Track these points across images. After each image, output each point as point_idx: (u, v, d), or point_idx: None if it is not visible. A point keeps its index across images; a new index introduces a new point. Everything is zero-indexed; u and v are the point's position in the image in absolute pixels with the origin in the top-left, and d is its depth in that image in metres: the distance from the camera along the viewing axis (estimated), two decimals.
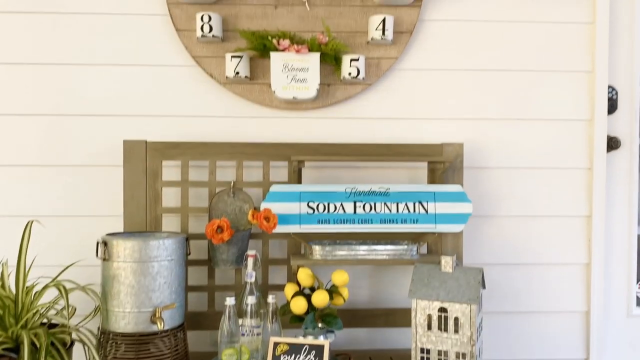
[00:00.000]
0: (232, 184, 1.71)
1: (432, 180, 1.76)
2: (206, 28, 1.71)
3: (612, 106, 1.90)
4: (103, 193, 1.78)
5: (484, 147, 1.86)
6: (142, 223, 1.69)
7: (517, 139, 1.87)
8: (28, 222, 1.50)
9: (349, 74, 1.75)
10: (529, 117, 1.87)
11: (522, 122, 1.87)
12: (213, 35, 1.71)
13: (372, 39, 1.76)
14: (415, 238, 1.72)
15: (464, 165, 1.81)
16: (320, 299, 1.50)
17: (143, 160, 1.69)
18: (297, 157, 1.65)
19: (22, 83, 1.78)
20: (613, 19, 1.88)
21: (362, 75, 1.76)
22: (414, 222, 1.65)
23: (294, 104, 1.80)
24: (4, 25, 1.76)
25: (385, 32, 1.74)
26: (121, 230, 1.72)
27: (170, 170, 1.77)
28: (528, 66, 1.86)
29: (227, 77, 1.75)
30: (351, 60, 1.75)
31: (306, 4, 1.79)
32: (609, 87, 1.89)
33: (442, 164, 1.69)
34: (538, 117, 1.87)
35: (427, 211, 1.66)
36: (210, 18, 1.71)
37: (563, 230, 1.89)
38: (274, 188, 1.65)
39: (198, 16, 1.71)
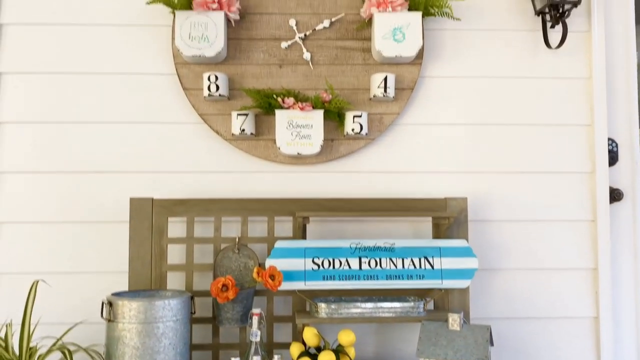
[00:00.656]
0: (236, 239, 1.71)
1: (437, 234, 1.77)
2: (213, 87, 1.75)
3: (613, 158, 1.92)
4: (109, 249, 1.79)
5: (488, 200, 1.87)
6: (147, 281, 1.69)
7: (521, 192, 1.88)
8: (34, 283, 1.50)
9: (352, 130, 1.79)
10: (532, 170, 1.89)
11: (524, 175, 1.89)
12: (220, 94, 1.76)
13: (374, 96, 1.80)
14: (421, 294, 1.71)
15: (469, 219, 1.82)
16: None
17: (149, 217, 1.70)
18: (301, 213, 1.67)
19: (29, 141, 1.81)
20: (610, 73, 1.92)
21: (364, 130, 1.79)
22: (420, 278, 1.65)
23: (299, 159, 1.83)
24: (12, 85, 1.82)
25: (387, 90, 1.79)
26: (126, 287, 1.72)
27: (176, 225, 1.78)
28: (528, 120, 1.89)
29: (233, 134, 1.78)
30: (354, 117, 1.79)
31: (310, 63, 1.84)
32: (609, 139, 1.92)
33: (447, 219, 1.69)
34: (540, 170, 1.89)
35: (433, 267, 1.66)
36: (217, 78, 1.75)
37: (570, 283, 1.87)
38: (278, 244, 1.66)
39: (205, 76, 1.76)
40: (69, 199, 1.81)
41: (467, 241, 1.72)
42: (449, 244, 1.68)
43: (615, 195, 1.91)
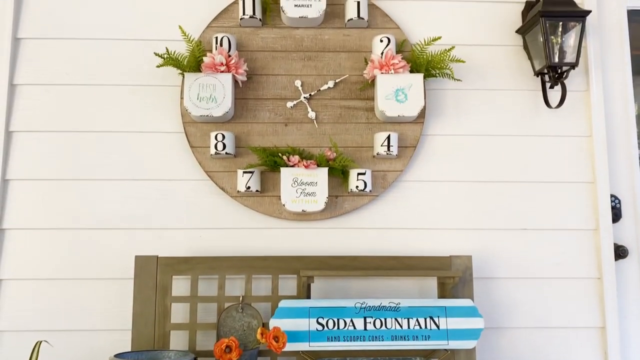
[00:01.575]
0: (240, 298, 1.70)
1: (442, 293, 1.76)
2: (220, 146, 1.79)
3: (617, 215, 1.93)
4: (112, 307, 1.78)
5: (493, 257, 1.87)
6: (150, 340, 1.67)
7: (526, 249, 1.88)
8: (37, 343, 1.49)
9: (357, 187, 1.81)
10: (536, 227, 1.89)
11: (529, 232, 1.89)
12: (226, 153, 1.79)
13: (377, 153, 1.83)
14: (427, 354, 1.68)
15: (474, 276, 1.81)
16: None
17: (154, 275, 1.70)
18: (306, 272, 1.67)
19: (35, 197, 1.84)
20: (610, 131, 1.96)
21: (368, 187, 1.81)
22: (425, 339, 1.63)
23: (303, 216, 1.84)
24: (21, 142, 1.85)
25: (390, 148, 1.82)
26: (129, 345, 1.70)
27: (179, 282, 1.78)
28: (531, 177, 1.91)
29: (238, 191, 1.81)
30: (358, 174, 1.81)
31: (314, 122, 1.89)
32: (612, 196, 1.93)
33: (452, 279, 1.69)
34: (545, 227, 1.89)
35: (438, 327, 1.64)
36: (223, 136, 1.79)
37: (577, 342, 1.84)
38: (282, 304, 1.65)
39: (212, 135, 1.80)
40: (73, 255, 1.82)
41: (473, 300, 1.71)
42: (454, 303, 1.67)
43: (620, 252, 1.90)
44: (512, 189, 1.91)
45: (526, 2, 1.96)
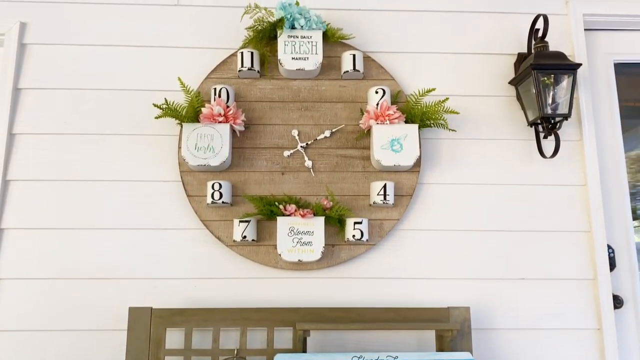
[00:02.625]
0: (235, 352, 1.67)
1: (440, 345, 1.73)
2: (216, 195, 1.79)
3: (611, 264, 1.92)
4: (105, 359, 1.75)
5: (491, 307, 1.85)
6: None
7: (524, 299, 1.86)
8: None
9: (353, 236, 1.80)
10: (533, 276, 1.88)
11: (526, 282, 1.88)
12: (223, 202, 1.79)
13: (374, 202, 1.84)
14: None
15: (472, 327, 1.79)
16: None
17: (147, 327, 1.67)
18: (302, 325, 1.64)
19: (30, 247, 1.83)
20: (604, 180, 1.98)
21: (365, 237, 1.80)
22: None
23: (300, 265, 1.83)
24: (17, 192, 1.86)
25: (387, 197, 1.82)
26: None
27: (173, 334, 1.75)
28: (527, 226, 1.92)
29: (234, 241, 1.80)
30: (355, 223, 1.81)
31: (311, 170, 1.90)
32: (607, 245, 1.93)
33: (450, 332, 1.66)
34: (542, 276, 1.88)
35: None
36: (220, 186, 1.80)
37: None
38: (278, 358, 1.61)
39: (209, 184, 1.80)
40: (67, 306, 1.79)
41: (472, 352, 1.68)
42: (453, 356, 1.64)
43: (616, 303, 1.88)
44: (509, 238, 1.91)
45: (518, 54, 2.01)
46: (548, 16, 1.88)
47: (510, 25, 2.05)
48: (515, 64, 2.03)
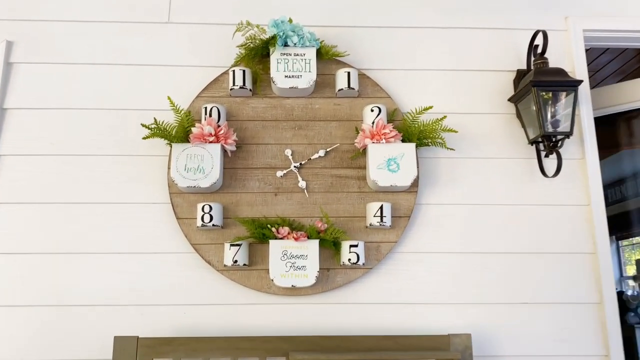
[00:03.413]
0: None
1: None
2: (206, 218, 1.73)
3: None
4: None
5: (493, 334, 1.77)
6: None
7: (527, 325, 1.78)
8: None
9: (349, 259, 1.73)
10: (537, 300, 1.80)
11: (530, 306, 1.80)
12: (213, 224, 1.73)
13: (370, 224, 1.77)
14: None
15: (474, 354, 1.71)
16: None
17: (133, 358, 1.59)
18: (295, 355, 1.56)
19: (15, 273, 1.75)
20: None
21: (362, 260, 1.73)
22: None
23: (293, 291, 1.76)
24: (2, 215, 1.79)
25: (384, 219, 1.76)
26: None
27: None
28: (530, 248, 1.84)
29: (225, 265, 1.73)
30: (350, 246, 1.74)
31: (305, 191, 1.84)
32: None
33: None
34: (546, 300, 1.81)
35: None
36: (211, 208, 1.73)
37: None
38: None
39: (199, 206, 1.74)
40: (49, 334, 1.71)
41: None
42: None
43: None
44: (511, 260, 1.84)
45: (517, 70, 1.96)
46: (547, 32, 1.84)
47: (509, 42, 2.00)
48: (514, 80, 1.98)
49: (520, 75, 1.96)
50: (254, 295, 1.77)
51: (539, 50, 1.87)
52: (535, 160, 1.91)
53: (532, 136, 1.87)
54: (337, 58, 1.91)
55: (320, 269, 1.73)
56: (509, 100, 1.95)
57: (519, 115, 1.93)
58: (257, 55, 1.86)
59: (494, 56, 1.99)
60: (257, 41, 1.83)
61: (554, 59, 1.96)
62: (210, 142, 1.76)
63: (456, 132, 1.82)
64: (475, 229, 1.86)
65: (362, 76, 1.91)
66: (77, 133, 1.86)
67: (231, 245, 1.72)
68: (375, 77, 1.93)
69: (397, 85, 1.95)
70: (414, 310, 1.79)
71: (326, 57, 1.88)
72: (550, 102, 1.80)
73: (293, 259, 1.72)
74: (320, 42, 1.86)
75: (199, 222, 1.73)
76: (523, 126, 1.92)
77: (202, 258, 1.77)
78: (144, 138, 1.73)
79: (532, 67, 1.91)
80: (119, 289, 1.76)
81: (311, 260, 1.72)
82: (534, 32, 1.92)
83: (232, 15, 1.95)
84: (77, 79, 1.91)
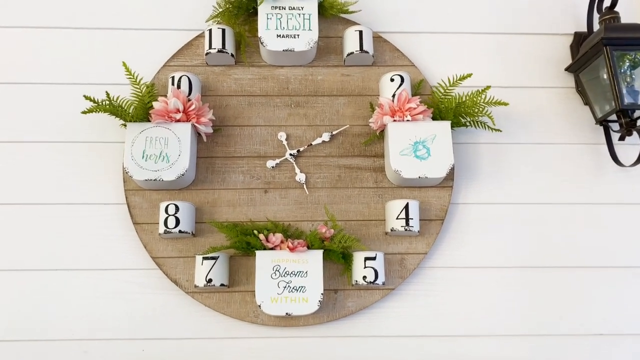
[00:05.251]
0: None
1: None
2: (171, 222, 1.28)
3: None
4: None
5: None
6: None
7: None
8: None
9: (364, 277, 1.28)
10: (615, 331, 1.36)
11: (605, 338, 1.36)
12: (180, 231, 1.28)
13: (392, 229, 1.33)
14: None
15: None
16: None
17: None
18: None
19: None
20: None
21: (381, 278, 1.28)
22: None
23: (289, 320, 1.31)
24: None
25: (410, 222, 1.31)
26: None
27: None
28: (602, 261, 1.40)
29: (196, 286, 1.28)
30: (366, 259, 1.29)
31: (304, 187, 1.39)
32: None
33: None
34: (627, 331, 1.36)
35: None
36: (177, 209, 1.29)
37: None
38: None
39: (162, 207, 1.30)
40: None
41: None
42: None
43: None
44: (578, 277, 1.39)
45: (575, 33, 1.54)
46: None
47: None
48: (571, 46, 1.55)
49: (579, 39, 1.53)
50: (236, 327, 1.31)
51: (606, 4, 1.45)
52: (605, 146, 1.46)
53: (601, 113, 1.43)
54: (345, 16, 1.48)
55: (324, 290, 1.28)
56: (567, 69, 1.51)
57: (581, 89, 1.49)
58: (242, 11, 1.44)
59: (545, 16, 1.56)
60: None
61: (623, 18, 1.52)
62: (178, 120, 1.32)
63: (507, 104, 1.36)
64: (529, 235, 1.41)
65: (378, 39, 1.48)
66: (9, 113, 1.43)
67: (204, 258, 1.27)
68: (394, 40, 1.50)
69: (423, 51, 1.51)
70: (449, 345, 1.33)
71: (331, 13, 1.45)
72: (627, 66, 1.36)
73: (288, 276, 1.27)
74: None
75: (162, 228, 1.29)
76: (587, 102, 1.48)
77: (167, 276, 1.32)
78: (83, 112, 1.27)
79: (595, 29, 1.48)
80: (54, 318, 1.31)
81: (313, 279, 1.27)
82: None
83: None
84: (11, 45, 1.48)
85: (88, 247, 1.36)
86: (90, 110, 1.27)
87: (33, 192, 1.39)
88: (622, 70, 1.36)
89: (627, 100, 1.34)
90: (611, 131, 1.45)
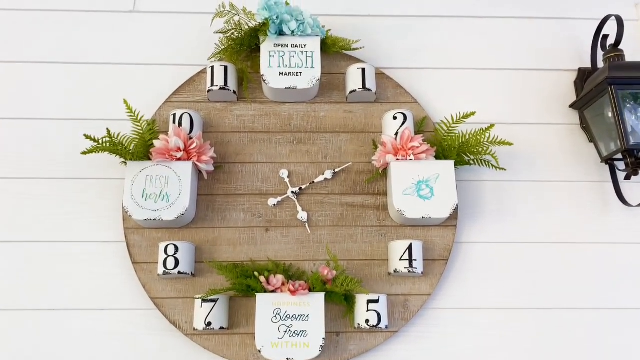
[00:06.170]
0: None
1: None
2: (170, 262, 1.26)
3: None
4: None
5: None
6: None
7: None
8: None
9: (366, 320, 1.25)
10: None
11: None
12: (179, 272, 1.26)
13: (395, 270, 1.30)
14: None
15: None
16: None
17: None
18: None
19: None
20: None
21: (384, 321, 1.25)
22: None
23: None
24: None
25: (413, 263, 1.29)
26: None
27: None
28: (613, 302, 1.36)
29: (195, 329, 1.25)
30: (368, 302, 1.26)
31: (306, 225, 1.37)
32: None
33: None
34: None
35: None
36: (176, 249, 1.27)
37: None
38: None
39: (161, 247, 1.28)
40: None
41: None
42: None
43: None
44: (586, 319, 1.35)
45: (579, 69, 1.53)
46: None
47: (567, 34, 1.57)
48: (575, 82, 1.54)
49: (583, 75, 1.53)
50: None
51: (610, 41, 1.44)
52: (610, 184, 1.44)
53: (606, 152, 1.41)
54: (348, 53, 1.48)
55: (326, 332, 1.25)
56: (571, 106, 1.50)
57: (585, 126, 1.48)
58: (244, 48, 1.44)
59: (548, 52, 1.56)
60: (244, 29, 1.41)
61: (627, 56, 1.52)
62: (178, 159, 1.31)
63: (511, 144, 1.34)
64: (537, 276, 1.38)
65: (380, 76, 1.48)
66: (8, 151, 1.42)
67: (203, 300, 1.25)
68: (397, 77, 1.50)
69: (425, 87, 1.51)
70: None
71: (333, 51, 1.44)
72: (632, 105, 1.35)
73: (289, 320, 1.24)
74: (327, 31, 1.44)
75: (161, 269, 1.27)
76: (592, 139, 1.46)
77: (166, 317, 1.29)
78: (82, 153, 1.26)
79: (599, 65, 1.47)
80: (51, 358, 1.28)
81: (314, 323, 1.24)
82: (598, 21, 1.49)
83: (212, 0, 1.52)
84: (11, 80, 1.47)
85: (86, 286, 1.33)
86: (90, 151, 1.26)
87: (29, 229, 1.37)
88: (628, 109, 1.35)
89: (633, 140, 1.32)
90: (617, 170, 1.44)
